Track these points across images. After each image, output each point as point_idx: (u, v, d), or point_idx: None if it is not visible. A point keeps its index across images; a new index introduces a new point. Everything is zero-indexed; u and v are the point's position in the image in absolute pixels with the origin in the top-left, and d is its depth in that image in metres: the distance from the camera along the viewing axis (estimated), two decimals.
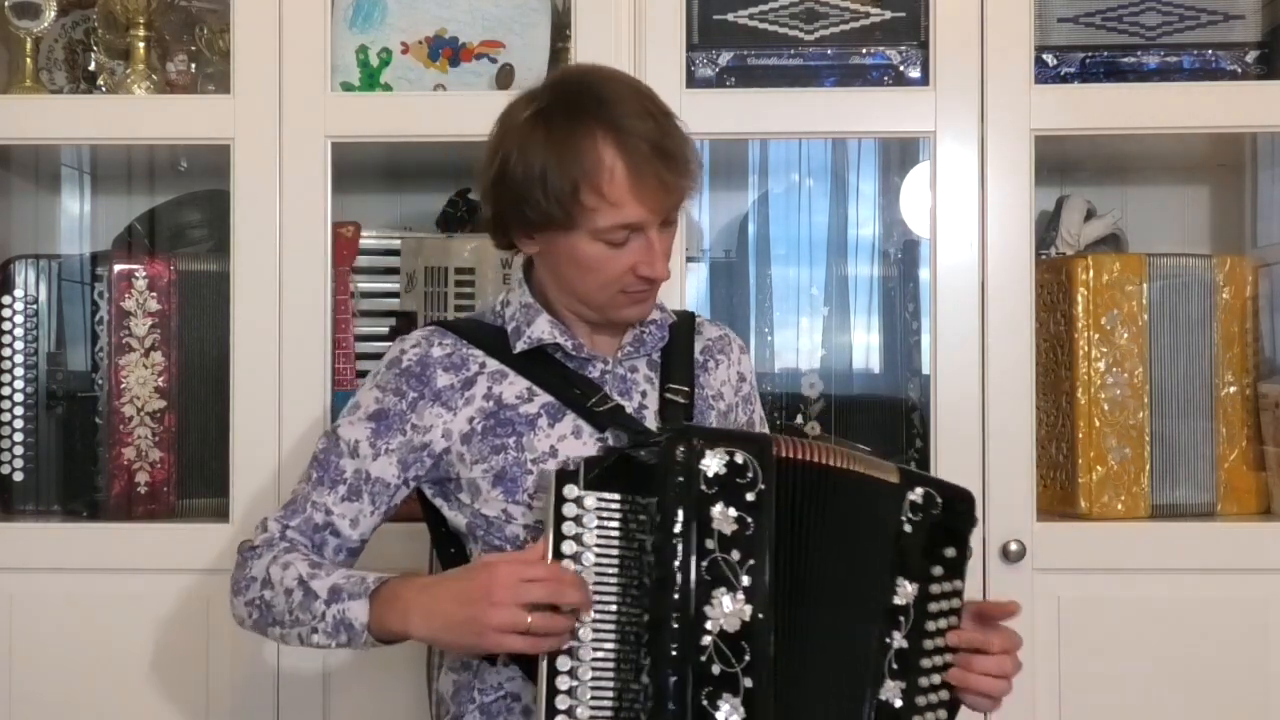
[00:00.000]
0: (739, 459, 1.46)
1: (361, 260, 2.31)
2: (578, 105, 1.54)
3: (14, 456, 2.25)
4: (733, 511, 1.45)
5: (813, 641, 1.50)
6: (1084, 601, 2.07)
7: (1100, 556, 2.09)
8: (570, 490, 1.46)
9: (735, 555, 1.44)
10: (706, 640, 1.42)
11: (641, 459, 1.49)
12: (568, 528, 1.46)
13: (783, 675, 1.46)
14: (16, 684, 2.13)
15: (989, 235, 2.09)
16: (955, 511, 1.58)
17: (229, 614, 2.10)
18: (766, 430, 1.84)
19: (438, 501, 1.67)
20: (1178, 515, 2.16)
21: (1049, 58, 2.17)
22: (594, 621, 1.45)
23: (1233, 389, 2.18)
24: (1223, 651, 2.08)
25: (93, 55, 2.39)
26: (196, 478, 2.23)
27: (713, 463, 1.46)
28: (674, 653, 1.42)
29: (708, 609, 1.43)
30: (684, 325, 1.74)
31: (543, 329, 1.63)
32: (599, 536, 1.46)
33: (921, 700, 1.54)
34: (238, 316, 2.13)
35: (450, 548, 1.68)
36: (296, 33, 2.13)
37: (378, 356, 2.29)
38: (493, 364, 1.64)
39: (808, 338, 2.47)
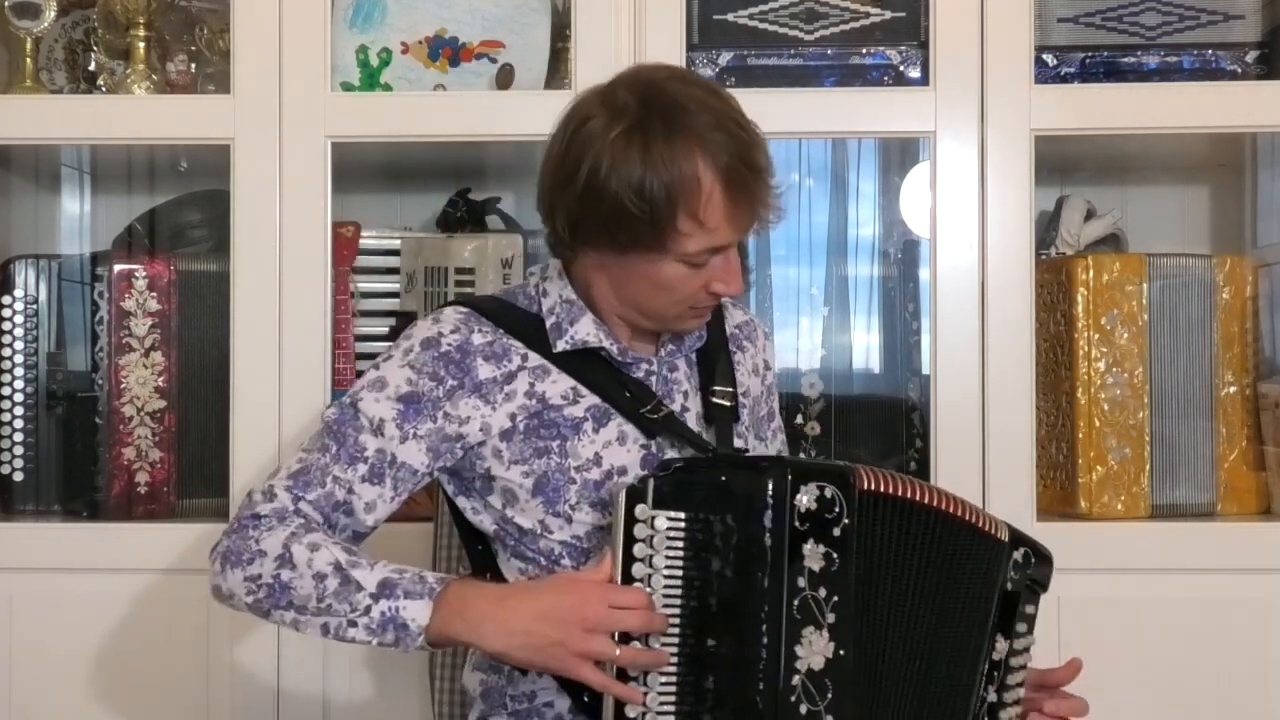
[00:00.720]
0: (828, 493, 1.44)
1: (361, 260, 2.31)
2: (672, 122, 1.47)
3: (14, 456, 2.25)
4: (821, 548, 1.43)
5: (901, 685, 1.49)
6: (1084, 601, 2.07)
7: (1100, 556, 2.09)
8: (642, 510, 1.42)
9: (823, 592, 1.43)
10: (796, 680, 1.41)
11: (718, 482, 1.45)
12: (639, 550, 1.42)
13: (867, 714, 1.46)
14: (16, 684, 2.13)
15: (989, 235, 2.09)
16: (1045, 571, 1.63)
17: (229, 614, 2.10)
18: (779, 421, 1.82)
19: (459, 500, 1.61)
20: (1178, 515, 2.16)
21: (1049, 58, 2.17)
22: (660, 643, 1.43)
23: (1233, 389, 2.18)
24: (1223, 651, 2.08)
25: (93, 55, 2.39)
26: (196, 478, 2.23)
27: (805, 498, 1.43)
28: (763, 689, 1.40)
29: (798, 648, 1.41)
30: (716, 317, 1.69)
31: (588, 330, 1.58)
32: (669, 559, 1.43)
33: None
34: (238, 316, 2.12)
35: (478, 544, 1.63)
36: (296, 33, 2.13)
37: (378, 356, 2.32)
38: (534, 358, 1.58)
39: (808, 338, 2.47)
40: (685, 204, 1.46)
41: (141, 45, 2.25)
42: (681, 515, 1.43)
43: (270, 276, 2.11)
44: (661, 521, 1.43)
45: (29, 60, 2.29)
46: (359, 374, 2.23)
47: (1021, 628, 1.59)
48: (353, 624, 1.44)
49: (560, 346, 1.58)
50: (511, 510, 1.58)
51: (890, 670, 1.49)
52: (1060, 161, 2.38)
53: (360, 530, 1.57)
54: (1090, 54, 2.17)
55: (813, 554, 1.43)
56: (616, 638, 1.42)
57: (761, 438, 1.75)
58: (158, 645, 2.12)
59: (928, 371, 2.17)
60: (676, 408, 1.61)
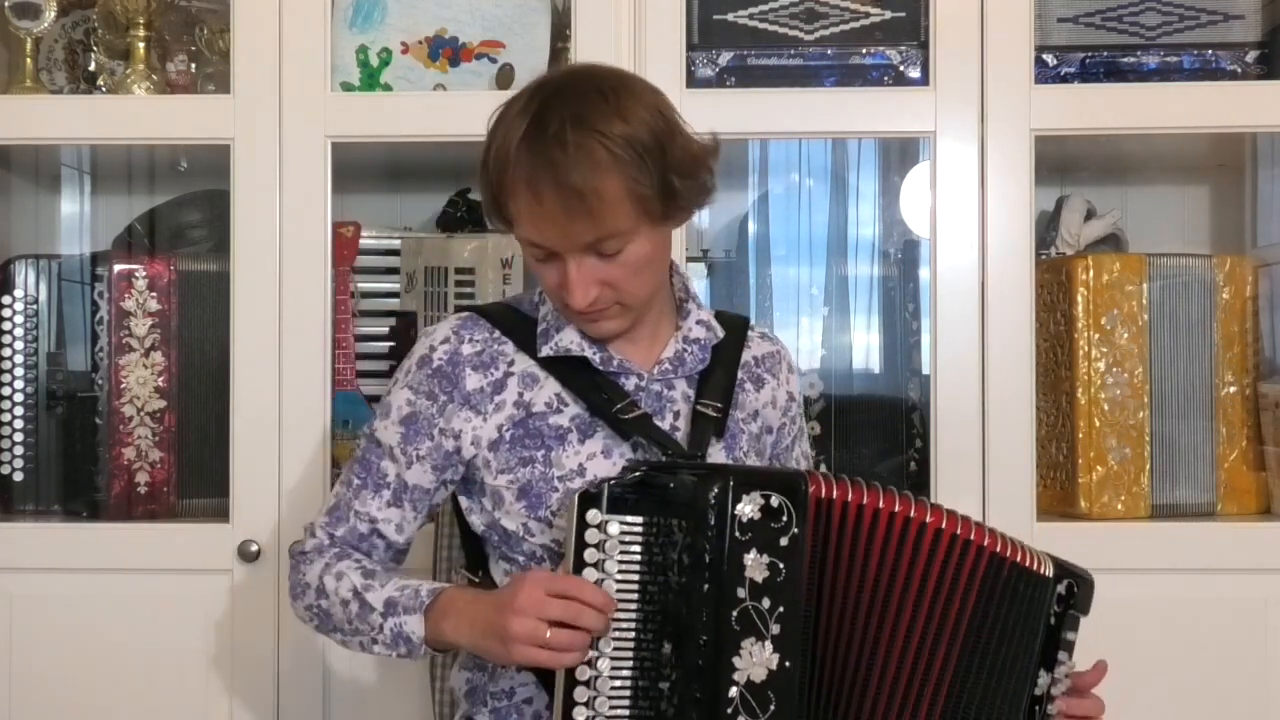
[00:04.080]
0: (774, 502, 1.42)
1: (361, 260, 2.31)
2: (528, 109, 1.50)
3: (14, 456, 2.25)
4: (765, 558, 1.42)
5: (885, 696, 1.48)
6: None
7: (1100, 556, 2.08)
8: (593, 515, 1.42)
9: (766, 603, 1.42)
10: (734, 692, 1.40)
11: (668, 489, 1.44)
12: (589, 554, 1.43)
13: None
14: (16, 684, 2.13)
15: (989, 235, 2.09)
16: (1086, 598, 1.59)
17: (229, 614, 2.12)
18: (808, 445, 1.81)
19: (461, 498, 1.65)
20: (1178, 515, 2.16)
21: (1049, 58, 2.17)
22: (614, 647, 1.43)
23: (1233, 389, 2.18)
24: (1223, 651, 2.08)
25: (93, 55, 2.39)
26: (196, 478, 2.23)
27: (747, 508, 1.41)
28: (699, 698, 1.40)
29: (736, 660, 1.40)
30: (732, 338, 1.69)
31: (571, 338, 1.59)
32: (621, 562, 1.43)
33: None
34: (238, 316, 2.12)
35: (474, 544, 1.66)
36: (296, 33, 2.13)
37: (378, 356, 2.33)
38: (523, 363, 1.60)
39: (808, 338, 2.47)
40: (503, 188, 1.51)
41: (141, 45, 2.25)
42: (633, 520, 1.43)
43: (270, 276, 2.11)
44: (613, 527, 1.43)
45: (29, 60, 2.29)
46: (359, 374, 2.25)
47: (1063, 655, 1.57)
48: (375, 641, 1.56)
49: (545, 351, 1.60)
50: (499, 513, 1.60)
51: (869, 681, 1.47)
52: (1060, 161, 2.38)
53: (399, 547, 1.65)
54: (1090, 54, 2.17)
55: (755, 564, 1.41)
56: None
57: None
58: (157, 645, 2.12)
59: (928, 371, 2.17)
60: (666, 424, 1.60)
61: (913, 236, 2.42)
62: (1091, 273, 2.14)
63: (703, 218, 2.53)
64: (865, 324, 2.46)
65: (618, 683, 1.43)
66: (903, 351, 2.41)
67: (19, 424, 2.25)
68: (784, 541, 1.42)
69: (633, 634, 1.44)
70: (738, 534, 1.41)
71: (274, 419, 2.11)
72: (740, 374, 1.68)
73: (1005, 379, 2.08)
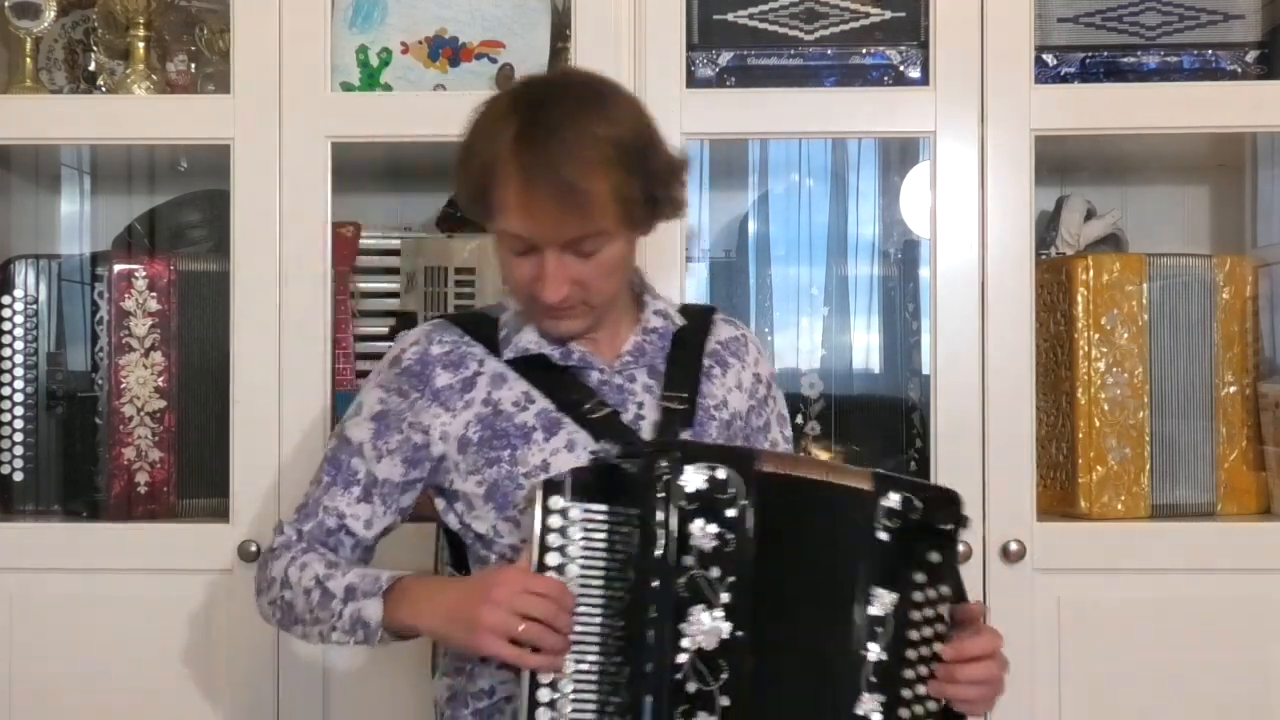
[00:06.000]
0: (720, 474, 1.45)
1: (361, 260, 2.31)
2: (519, 104, 1.54)
3: (14, 456, 2.25)
4: (713, 528, 1.44)
5: (790, 658, 1.48)
6: (1084, 601, 2.07)
7: (1100, 556, 2.09)
8: (555, 501, 1.45)
9: (715, 572, 1.44)
10: (683, 658, 1.42)
11: (622, 472, 1.47)
12: (552, 539, 1.44)
13: (760, 693, 1.45)
14: (16, 684, 2.13)
15: (989, 235, 2.09)
16: (937, 514, 1.50)
17: (229, 614, 2.12)
18: (789, 431, 1.81)
19: (437, 500, 1.67)
20: (1178, 515, 2.16)
21: (1049, 58, 2.17)
22: (577, 634, 1.44)
23: (1233, 389, 2.18)
24: (1223, 651, 2.08)
25: (93, 55, 2.39)
26: (196, 478, 2.23)
27: (693, 478, 1.45)
28: (649, 670, 1.41)
29: (684, 626, 1.42)
30: (695, 326, 1.71)
31: (529, 339, 1.63)
32: (583, 549, 1.45)
33: (905, 713, 1.48)
34: (238, 316, 2.12)
35: (453, 543, 1.67)
36: (296, 33, 2.13)
37: (378, 356, 2.31)
38: (491, 364, 1.64)
39: (808, 338, 2.47)
40: (490, 174, 1.53)
41: (141, 45, 2.25)
42: (595, 506, 1.46)
43: (270, 276, 2.12)
44: (575, 513, 1.45)
45: (29, 60, 2.29)
46: (359, 374, 2.25)
47: (919, 577, 1.49)
48: (333, 629, 1.55)
49: (507, 354, 1.63)
50: (469, 517, 1.62)
51: (789, 646, 1.48)
52: (1060, 161, 2.38)
53: (367, 544, 1.67)
54: (1090, 54, 2.17)
55: (702, 533, 1.44)
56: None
57: None
58: (157, 645, 2.12)
59: (928, 371, 2.17)
60: (630, 416, 1.62)
61: (913, 236, 2.42)
62: (1091, 273, 2.14)
63: (703, 217, 2.54)
64: (865, 324, 2.46)
65: (584, 667, 1.44)
66: (903, 351, 2.41)
67: (19, 424, 2.25)
68: (731, 512, 1.45)
69: (598, 622, 1.45)
70: (684, 503, 1.44)
71: (274, 419, 2.11)
72: (707, 361, 1.70)
73: (1005, 379, 2.08)
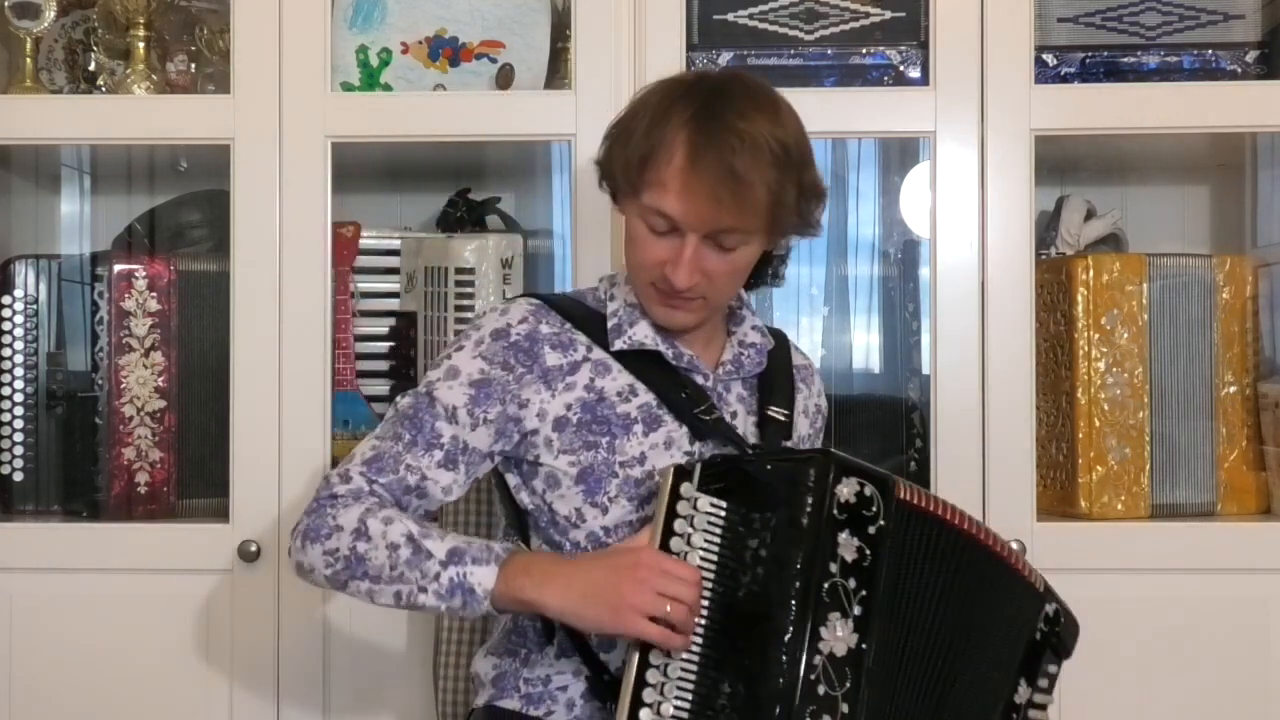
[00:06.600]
0: (867, 491, 1.49)
1: (361, 260, 2.31)
2: (697, 91, 1.56)
3: (14, 456, 2.25)
4: (855, 541, 1.47)
5: (914, 691, 1.51)
6: (1084, 601, 2.06)
7: (1100, 556, 2.09)
8: (686, 489, 1.48)
9: (852, 583, 1.47)
10: (818, 660, 1.44)
11: (762, 474, 1.50)
12: (679, 525, 1.48)
13: (878, 707, 1.48)
14: (16, 684, 2.13)
15: (989, 235, 2.09)
16: (1070, 639, 1.65)
17: (229, 614, 2.11)
18: None
19: (507, 475, 1.66)
20: (1178, 515, 2.16)
21: (1049, 58, 2.17)
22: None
23: (1233, 389, 2.18)
24: (1223, 651, 2.08)
25: (93, 55, 2.38)
26: (196, 478, 2.23)
27: (845, 490, 1.48)
28: (785, 661, 1.43)
29: (823, 629, 1.45)
30: (782, 349, 1.76)
31: (645, 332, 1.64)
32: (705, 540, 1.48)
33: None
34: (238, 316, 2.12)
35: (517, 519, 1.67)
36: (296, 33, 2.13)
37: (378, 356, 2.33)
38: (598, 352, 1.64)
39: (808, 338, 2.47)
40: (654, 151, 1.54)
41: (141, 45, 2.25)
42: (723, 502, 1.49)
43: (270, 276, 2.11)
44: (704, 503, 1.48)
45: (29, 60, 2.29)
46: (359, 374, 2.25)
47: (1043, 683, 1.61)
48: (423, 590, 1.51)
49: (618, 345, 1.64)
50: (551, 495, 1.62)
51: (908, 676, 1.51)
52: (1060, 161, 2.38)
53: (433, 511, 1.65)
54: (1090, 54, 2.17)
55: (847, 544, 1.47)
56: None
57: None
58: (157, 645, 2.12)
59: (928, 371, 2.17)
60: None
61: (913, 236, 2.42)
62: (1091, 273, 2.14)
63: None
64: (865, 324, 2.46)
65: (686, 656, 1.46)
66: (903, 351, 2.41)
67: (19, 424, 2.25)
68: (872, 530, 1.49)
69: (705, 612, 1.47)
70: (835, 512, 1.47)
71: (274, 419, 2.11)
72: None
73: (1005, 379, 2.08)
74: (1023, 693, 1.58)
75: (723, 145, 1.51)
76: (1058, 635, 1.63)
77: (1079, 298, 2.14)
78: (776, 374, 1.72)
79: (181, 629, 2.12)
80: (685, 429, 1.62)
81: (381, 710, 2.13)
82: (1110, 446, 2.14)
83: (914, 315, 2.38)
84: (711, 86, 1.58)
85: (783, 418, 1.68)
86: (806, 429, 1.77)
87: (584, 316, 1.67)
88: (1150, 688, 2.08)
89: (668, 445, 1.61)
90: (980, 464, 2.08)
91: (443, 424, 1.60)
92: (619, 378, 1.63)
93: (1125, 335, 2.14)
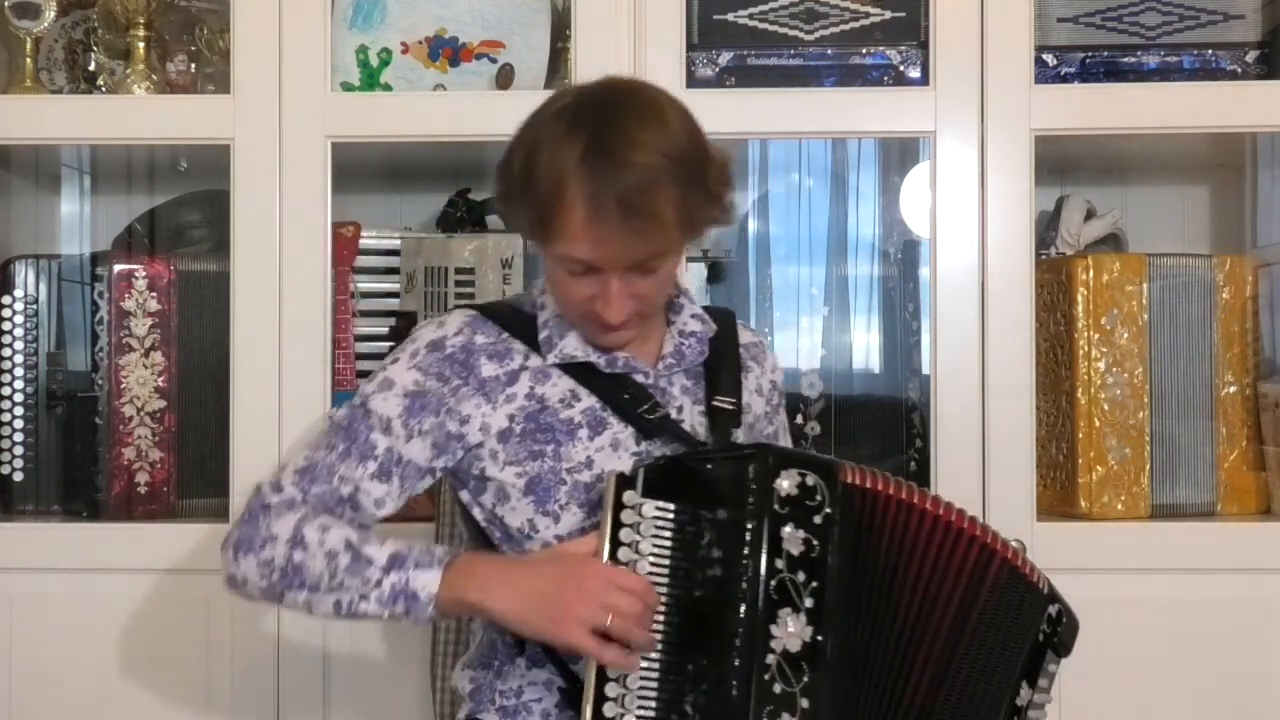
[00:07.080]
0: (809, 481, 1.47)
1: (361, 260, 2.31)
2: (580, 123, 1.48)
3: (14, 456, 2.25)
4: (800, 533, 1.46)
5: (888, 683, 1.51)
6: (1084, 601, 2.05)
7: (1100, 556, 2.09)
8: (629, 497, 1.46)
9: (801, 576, 1.46)
10: (771, 659, 1.43)
11: (704, 472, 1.49)
12: (625, 534, 1.45)
13: (836, 696, 1.46)
14: (16, 684, 2.13)
15: (989, 235, 2.09)
16: (1070, 639, 1.65)
17: (229, 614, 2.11)
18: (789, 439, 1.83)
19: (461, 494, 1.64)
20: (1178, 515, 2.16)
21: (1049, 58, 2.17)
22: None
23: (1233, 389, 2.18)
24: (1223, 651, 2.08)
25: (93, 55, 2.39)
26: (196, 478, 2.23)
27: (785, 483, 1.47)
28: (738, 665, 1.42)
29: (774, 628, 1.44)
30: (726, 332, 1.71)
31: (574, 346, 1.60)
32: (654, 546, 1.46)
33: None
34: (238, 316, 2.12)
35: (482, 537, 1.64)
36: (296, 33, 2.13)
37: (378, 356, 2.32)
38: (536, 360, 1.61)
39: (808, 338, 2.47)
40: (552, 204, 1.47)
41: (141, 45, 2.25)
42: (669, 505, 1.47)
43: (270, 276, 2.11)
44: (649, 509, 1.46)
45: (29, 60, 2.29)
46: (359, 374, 2.24)
47: (1044, 683, 1.61)
48: (364, 598, 1.48)
49: (550, 359, 1.61)
50: (501, 509, 1.60)
51: (880, 661, 1.50)
52: (1060, 161, 2.38)
53: (365, 524, 1.59)
54: (1090, 54, 2.17)
55: (791, 538, 1.46)
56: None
57: None
58: (157, 646, 2.12)
59: (928, 371, 2.17)
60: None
61: (913, 236, 2.42)
62: (1091, 273, 2.14)
63: None
64: (865, 324, 2.46)
65: (646, 664, 1.45)
66: (903, 351, 2.40)
67: (19, 424, 2.25)
68: (818, 519, 1.47)
69: (662, 619, 1.45)
70: (777, 507, 1.46)
71: (274, 419, 2.11)
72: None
73: (1005, 379, 2.08)
74: (1024, 695, 1.58)
75: (620, 185, 1.44)
76: (1060, 634, 1.62)
77: (1079, 298, 2.14)
78: (722, 360, 1.67)
79: (182, 629, 2.12)
80: (631, 429, 1.59)
81: (382, 710, 2.13)
82: (1110, 446, 2.14)
83: (914, 315, 2.38)
84: (594, 115, 1.49)
85: (730, 406, 1.64)
86: (762, 407, 1.73)
87: (522, 325, 1.63)
88: (1150, 688, 2.08)
89: (614, 447, 1.58)
90: (980, 464, 2.08)
91: (377, 435, 1.56)
92: (559, 383, 1.60)
93: (1125, 335, 2.14)
